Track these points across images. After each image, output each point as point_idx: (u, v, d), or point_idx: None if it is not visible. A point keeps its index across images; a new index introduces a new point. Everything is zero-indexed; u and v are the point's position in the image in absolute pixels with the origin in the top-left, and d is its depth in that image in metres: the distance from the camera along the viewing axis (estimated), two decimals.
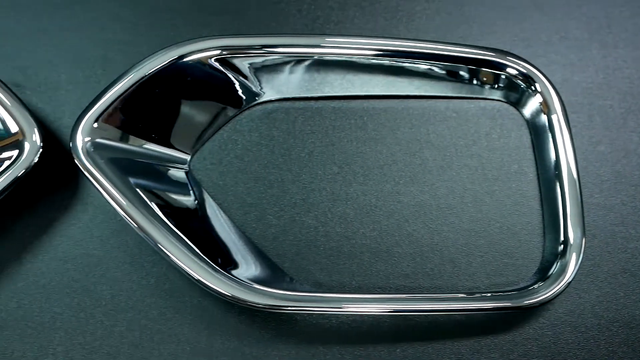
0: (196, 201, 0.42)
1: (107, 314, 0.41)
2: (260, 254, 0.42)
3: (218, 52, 0.42)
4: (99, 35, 0.46)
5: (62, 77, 0.45)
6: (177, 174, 0.43)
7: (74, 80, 0.45)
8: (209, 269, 0.38)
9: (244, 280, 0.39)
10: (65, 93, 0.45)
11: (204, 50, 0.42)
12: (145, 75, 0.41)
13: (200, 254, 0.39)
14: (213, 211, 0.42)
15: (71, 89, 0.45)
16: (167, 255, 0.38)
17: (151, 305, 0.41)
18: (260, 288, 0.39)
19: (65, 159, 0.43)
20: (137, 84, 0.41)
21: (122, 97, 0.41)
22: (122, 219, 0.42)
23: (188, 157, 0.43)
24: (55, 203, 0.43)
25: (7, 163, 0.41)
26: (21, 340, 0.40)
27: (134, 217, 0.39)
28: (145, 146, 0.42)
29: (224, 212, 0.42)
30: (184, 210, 0.42)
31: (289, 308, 0.39)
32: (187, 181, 0.43)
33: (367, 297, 0.40)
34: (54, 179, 0.43)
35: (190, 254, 0.39)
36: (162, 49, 0.42)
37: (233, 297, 0.38)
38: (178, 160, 0.43)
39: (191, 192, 0.43)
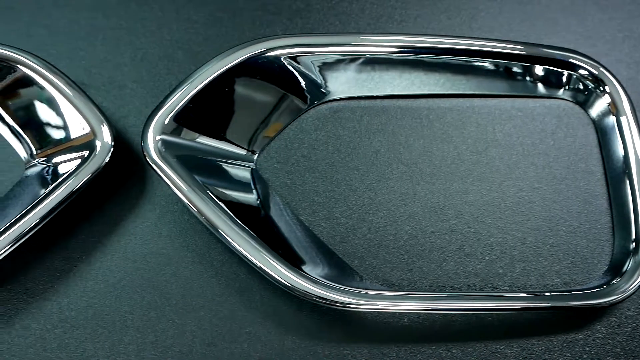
0: (261, 199, 0.42)
1: (178, 312, 0.41)
2: (329, 252, 0.42)
3: (286, 50, 0.42)
4: (161, 34, 0.46)
5: (125, 77, 0.45)
6: (244, 172, 0.43)
7: (138, 79, 0.45)
8: (284, 267, 0.38)
9: (318, 278, 0.39)
10: (130, 92, 0.45)
11: (272, 49, 0.42)
12: (216, 74, 0.41)
13: (274, 251, 0.39)
14: (279, 209, 0.42)
15: (135, 87, 0.45)
16: (242, 253, 0.38)
17: (222, 303, 0.41)
18: (338, 286, 0.39)
19: (132, 157, 0.43)
20: (207, 82, 0.41)
21: (192, 95, 0.41)
22: (189, 217, 0.42)
23: (255, 155, 0.43)
24: (124, 202, 0.43)
25: (78, 162, 0.41)
26: (92, 339, 0.40)
27: (208, 215, 0.39)
28: (212, 144, 0.42)
29: (292, 210, 0.42)
30: (251, 208, 0.42)
31: (365, 306, 0.38)
32: (252, 179, 0.43)
33: (438, 295, 0.40)
34: (122, 178, 0.43)
35: (264, 251, 0.38)
36: (231, 48, 0.42)
37: (309, 295, 0.38)
38: (245, 158, 0.43)
39: (256, 190, 0.42)
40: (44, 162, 0.43)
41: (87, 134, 0.41)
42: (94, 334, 0.40)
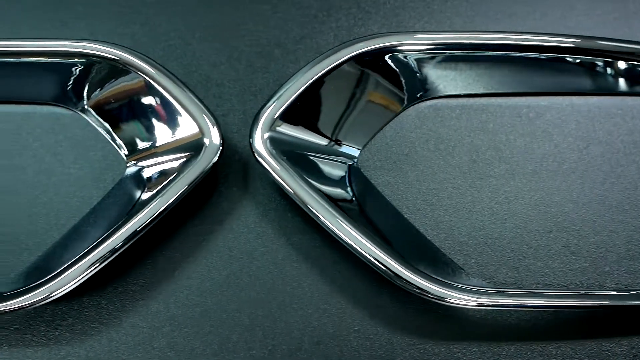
0: (364, 196, 0.42)
1: (285, 310, 0.41)
2: (434, 250, 0.41)
3: (390, 48, 0.42)
4: (257, 33, 0.46)
5: (223, 75, 0.45)
6: (347, 168, 0.43)
7: (235, 77, 0.45)
8: (398, 262, 0.38)
9: (430, 274, 0.39)
10: (228, 90, 0.45)
11: (375, 48, 0.42)
12: (321, 72, 0.41)
13: (387, 246, 0.39)
14: (383, 207, 0.42)
15: (232, 86, 0.45)
16: (356, 248, 0.38)
17: (329, 301, 0.41)
18: (449, 282, 0.39)
19: (234, 156, 0.43)
20: (313, 80, 0.41)
21: (299, 93, 0.41)
22: (293, 215, 0.42)
23: (357, 153, 0.43)
24: (227, 201, 0.43)
25: (183, 162, 0.41)
26: (200, 337, 0.40)
27: (319, 211, 0.39)
28: (315, 140, 0.42)
29: (395, 208, 0.42)
30: (354, 204, 0.41)
31: (473, 303, 0.38)
32: (355, 176, 0.43)
33: (548, 292, 0.39)
34: (225, 176, 0.43)
35: (376, 246, 0.38)
36: (337, 46, 0.42)
37: (423, 292, 0.38)
38: (347, 155, 0.43)
39: (358, 186, 0.42)
40: (145, 162, 0.43)
41: (195, 133, 0.41)
42: (202, 332, 0.40)
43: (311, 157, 0.42)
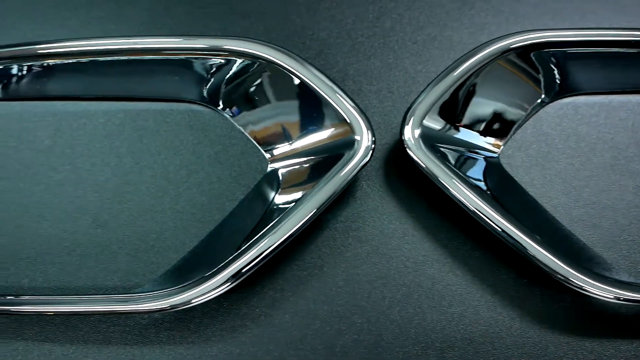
0: (503, 191, 0.42)
1: (436, 309, 0.41)
2: (580, 246, 0.41)
3: (532, 45, 0.42)
4: (391, 31, 0.46)
5: (360, 72, 0.45)
6: (490, 164, 0.43)
7: (374, 74, 0.45)
8: (558, 260, 0.38)
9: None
10: (367, 87, 0.45)
11: (520, 45, 0.42)
12: (471, 69, 0.41)
13: (542, 243, 0.39)
14: (526, 202, 0.42)
15: (370, 82, 0.45)
16: (522, 247, 0.38)
17: (481, 300, 0.41)
18: (607, 277, 0.39)
19: (375, 153, 0.43)
20: (463, 76, 0.41)
21: (448, 89, 0.41)
22: (436, 213, 0.42)
23: (498, 149, 0.43)
24: (371, 198, 0.43)
25: (333, 161, 0.41)
26: (351, 335, 0.40)
27: (478, 207, 0.39)
28: (457, 136, 0.42)
29: (539, 205, 0.42)
30: (496, 200, 0.41)
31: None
32: (496, 171, 0.43)
33: None
34: (368, 173, 0.43)
35: (534, 242, 0.38)
36: (484, 43, 0.42)
37: (590, 291, 0.38)
38: (488, 150, 0.43)
39: (495, 182, 0.42)
40: (288, 161, 0.43)
41: (342, 131, 0.41)
42: (353, 330, 0.40)
43: (453, 152, 0.42)
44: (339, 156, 0.41)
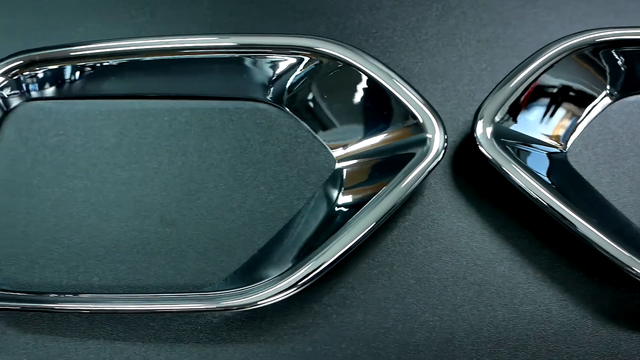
0: (572, 188, 0.42)
1: (506, 307, 0.41)
2: None
3: (601, 43, 0.42)
4: (463, 32, 0.46)
5: (425, 70, 0.45)
6: (554, 160, 0.43)
7: (439, 72, 0.45)
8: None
9: None
10: (432, 86, 0.45)
11: (588, 43, 0.42)
12: (541, 66, 0.41)
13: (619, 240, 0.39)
14: (595, 201, 0.42)
15: (436, 81, 0.45)
16: (596, 243, 0.38)
17: (553, 298, 0.41)
18: None
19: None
20: (533, 74, 0.41)
21: (519, 87, 0.41)
22: (504, 210, 0.42)
23: (565, 147, 0.43)
24: (437, 195, 0.43)
25: (404, 159, 0.41)
26: (424, 333, 0.40)
27: (558, 208, 0.39)
28: (528, 133, 0.42)
29: (608, 202, 0.42)
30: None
31: None
32: (564, 168, 0.43)
33: None
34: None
35: (611, 240, 0.38)
36: (553, 42, 0.42)
37: None
38: (555, 147, 0.43)
39: (564, 179, 0.42)
40: (355, 160, 0.43)
41: (413, 130, 0.41)
42: (426, 328, 0.40)
43: (521, 148, 0.42)
44: (409, 155, 0.41)
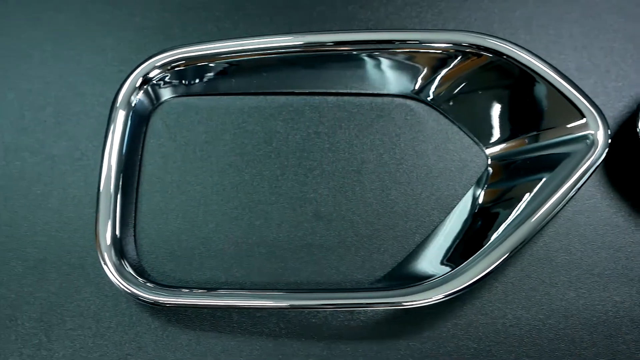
0: None
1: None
2: None
3: None
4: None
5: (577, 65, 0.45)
6: None
7: (586, 68, 0.45)
8: None
9: None
10: (581, 82, 0.44)
11: None
12: None
13: None
14: None
15: (589, 76, 0.45)
16: None
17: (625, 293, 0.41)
18: None
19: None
20: None
21: None
22: None
23: None
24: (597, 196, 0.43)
25: (562, 156, 0.41)
26: (588, 329, 0.40)
27: None
28: None
29: None
30: None
31: None
32: None
33: None
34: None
35: None
36: None
37: None
38: None
39: None
40: (510, 158, 0.43)
41: (578, 126, 0.41)
42: (588, 324, 0.40)
43: None
44: (565, 152, 0.41)
